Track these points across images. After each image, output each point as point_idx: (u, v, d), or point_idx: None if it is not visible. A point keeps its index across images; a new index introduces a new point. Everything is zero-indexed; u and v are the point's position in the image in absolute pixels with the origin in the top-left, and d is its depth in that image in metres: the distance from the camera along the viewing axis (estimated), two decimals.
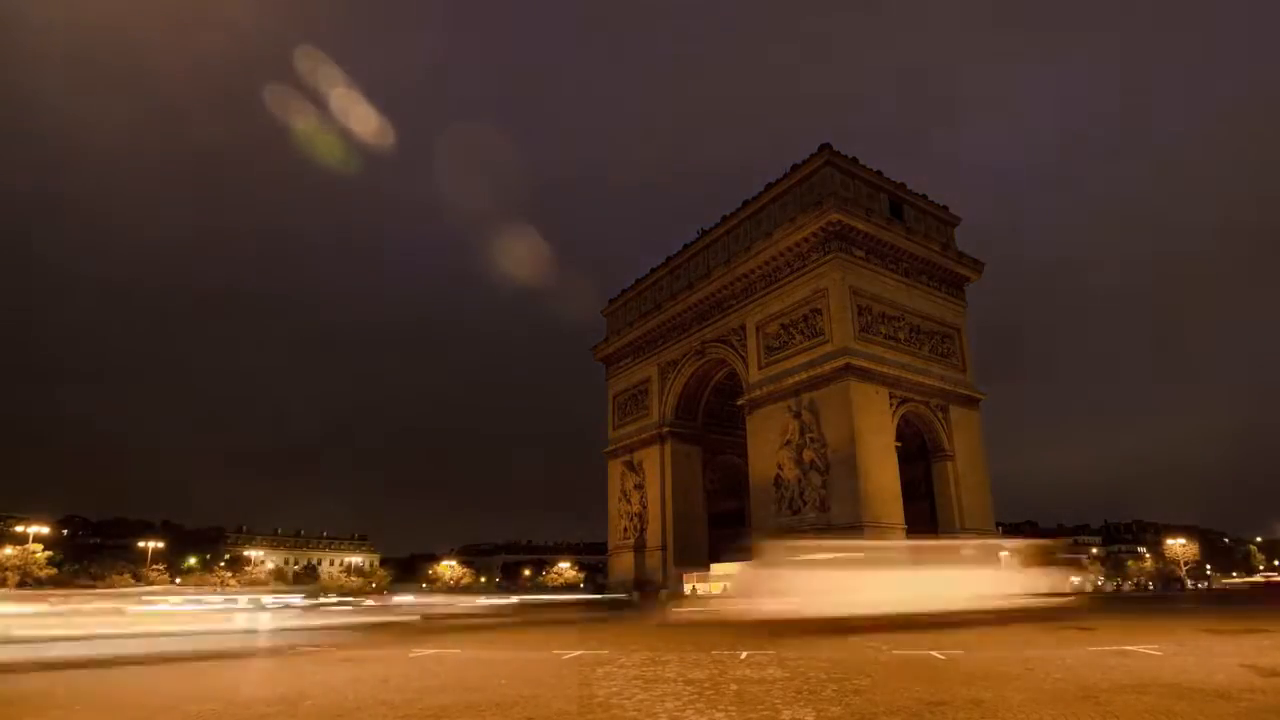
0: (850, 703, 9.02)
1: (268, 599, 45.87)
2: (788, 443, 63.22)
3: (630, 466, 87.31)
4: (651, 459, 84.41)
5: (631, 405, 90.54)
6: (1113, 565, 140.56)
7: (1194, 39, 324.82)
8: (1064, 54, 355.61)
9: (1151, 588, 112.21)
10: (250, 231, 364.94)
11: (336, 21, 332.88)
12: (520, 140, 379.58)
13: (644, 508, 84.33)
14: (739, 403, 71.99)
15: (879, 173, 68.77)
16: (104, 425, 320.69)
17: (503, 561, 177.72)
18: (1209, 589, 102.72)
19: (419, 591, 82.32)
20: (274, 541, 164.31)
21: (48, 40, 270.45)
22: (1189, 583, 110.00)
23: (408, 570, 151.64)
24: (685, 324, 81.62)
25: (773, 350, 67.96)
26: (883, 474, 59.44)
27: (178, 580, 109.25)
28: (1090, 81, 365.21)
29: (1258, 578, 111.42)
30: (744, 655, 14.77)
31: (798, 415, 62.64)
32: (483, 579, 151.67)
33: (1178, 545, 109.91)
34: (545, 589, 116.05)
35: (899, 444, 62.41)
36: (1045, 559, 35.93)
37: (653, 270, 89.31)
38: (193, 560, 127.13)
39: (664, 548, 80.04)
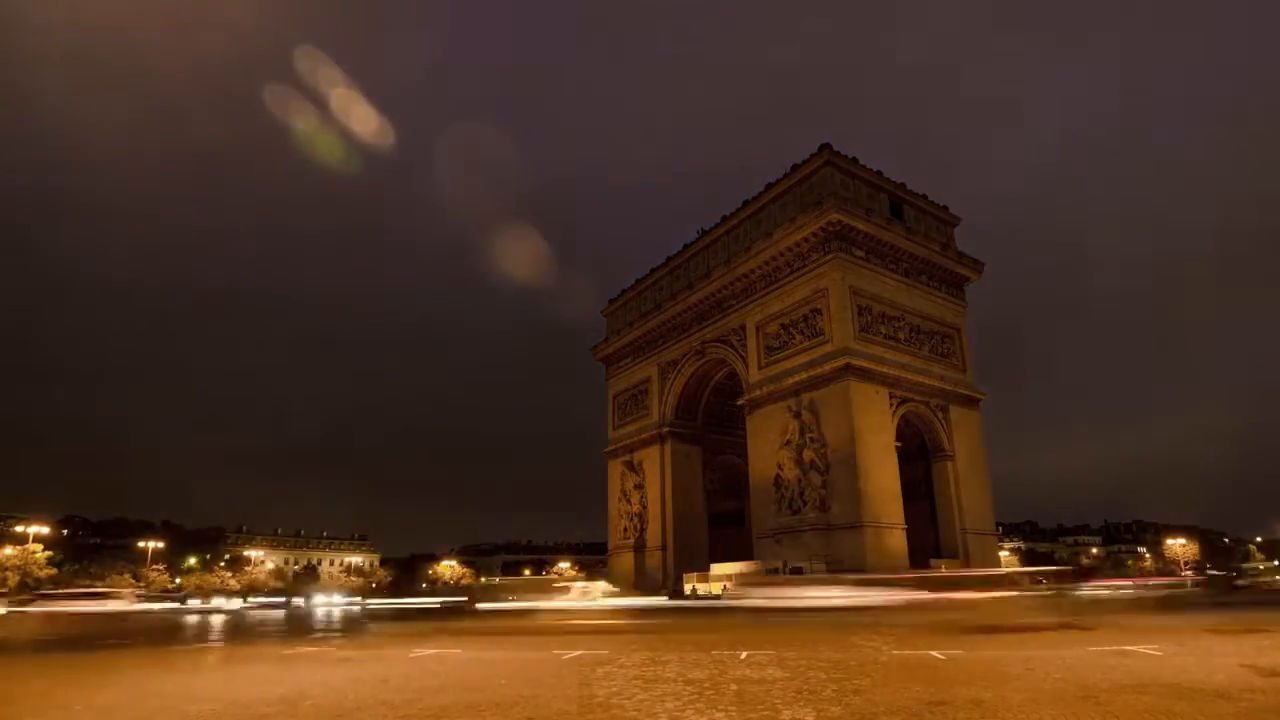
0: (850, 703, 9.02)
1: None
2: (788, 443, 63.23)
3: (630, 466, 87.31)
4: (651, 459, 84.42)
5: (631, 405, 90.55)
6: (1112, 565, 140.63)
7: (1194, 39, 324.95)
8: (1064, 54, 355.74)
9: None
10: (250, 231, 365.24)
11: (336, 21, 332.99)
12: (520, 140, 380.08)
13: (644, 508, 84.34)
14: (739, 403, 72.01)
15: (879, 173, 68.77)
16: (104, 425, 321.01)
17: (503, 561, 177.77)
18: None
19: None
20: (274, 541, 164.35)
21: (48, 40, 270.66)
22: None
23: (408, 570, 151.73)
24: (685, 324, 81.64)
25: (773, 350, 67.97)
26: (883, 474, 59.46)
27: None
28: (1090, 81, 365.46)
29: None
30: (744, 655, 14.77)
31: (798, 415, 62.65)
32: (483, 579, 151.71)
33: (1178, 545, 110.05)
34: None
35: (899, 444, 62.43)
36: None
37: (653, 270, 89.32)
38: (193, 560, 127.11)
39: (664, 548, 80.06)
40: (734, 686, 10.62)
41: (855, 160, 67.06)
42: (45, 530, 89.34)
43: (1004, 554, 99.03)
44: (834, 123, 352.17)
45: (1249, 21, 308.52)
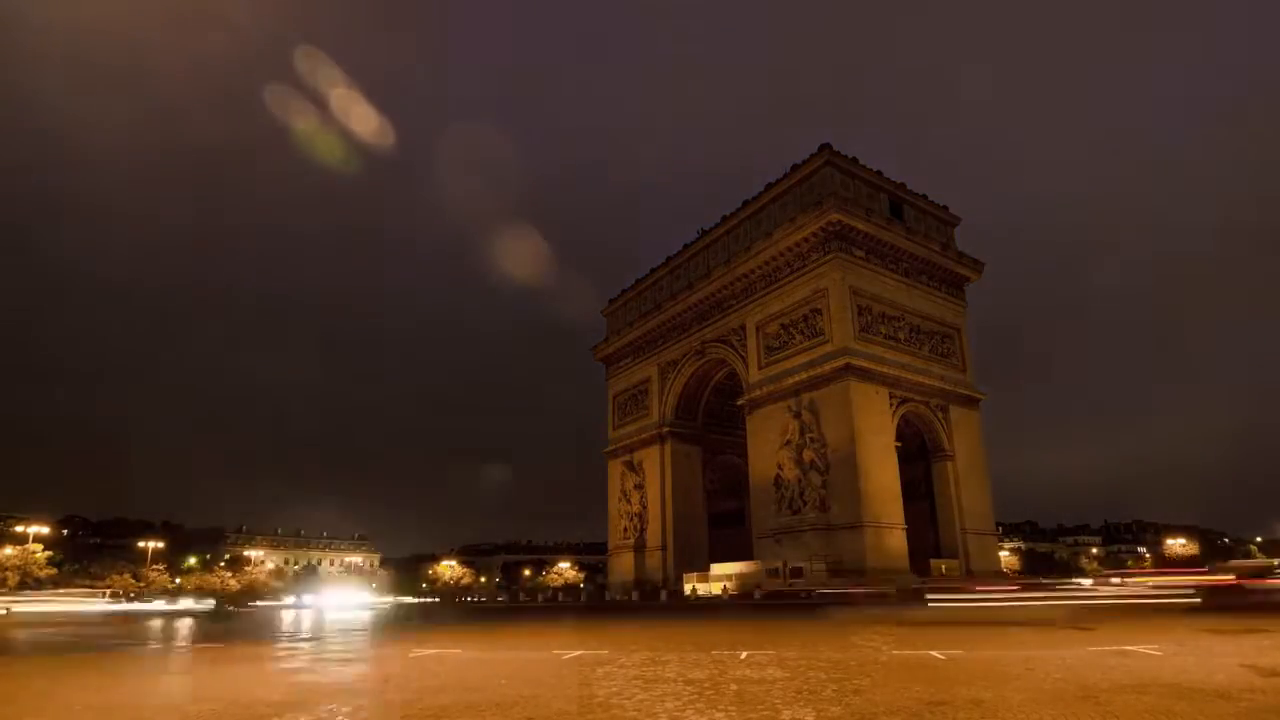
0: (850, 703, 9.02)
1: None
2: (788, 443, 63.23)
3: (630, 466, 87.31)
4: (651, 459, 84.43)
5: (631, 405, 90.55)
6: (1112, 565, 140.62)
7: (1194, 39, 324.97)
8: (1064, 53, 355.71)
9: None
10: (250, 231, 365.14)
11: (336, 21, 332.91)
12: (520, 140, 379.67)
13: (644, 508, 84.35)
14: (739, 403, 72.02)
15: (879, 173, 68.78)
16: (104, 425, 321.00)
17: (503, 561, 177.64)
18: None
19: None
20: (274, 541, 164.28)
21: (48, 40, 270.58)
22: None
23: (408, 570, 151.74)
24: (685, 324, 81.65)
25: (773, 350, 67.97)
26: (883, 474, 59.46)
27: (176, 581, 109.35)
28: (1090, 81, 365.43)
29: None
30: (744, 655, 14.77)
31: (798, 415, 62.65)
32: (483, 579, 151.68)
33: (1178, 545, 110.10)
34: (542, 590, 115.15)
35: (899, 444, 62.45)
36: None
37: (653, 270, 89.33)
38: (193, 560, 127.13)
39: (664, 548, 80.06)
40: (734, 686, 10.62)
41: (855, 160, 67.07)
42: (45, 530, 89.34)
43: (1004, 554, 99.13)
44: (834, 123, 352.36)
45: (1249, 21, 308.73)
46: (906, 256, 67.67)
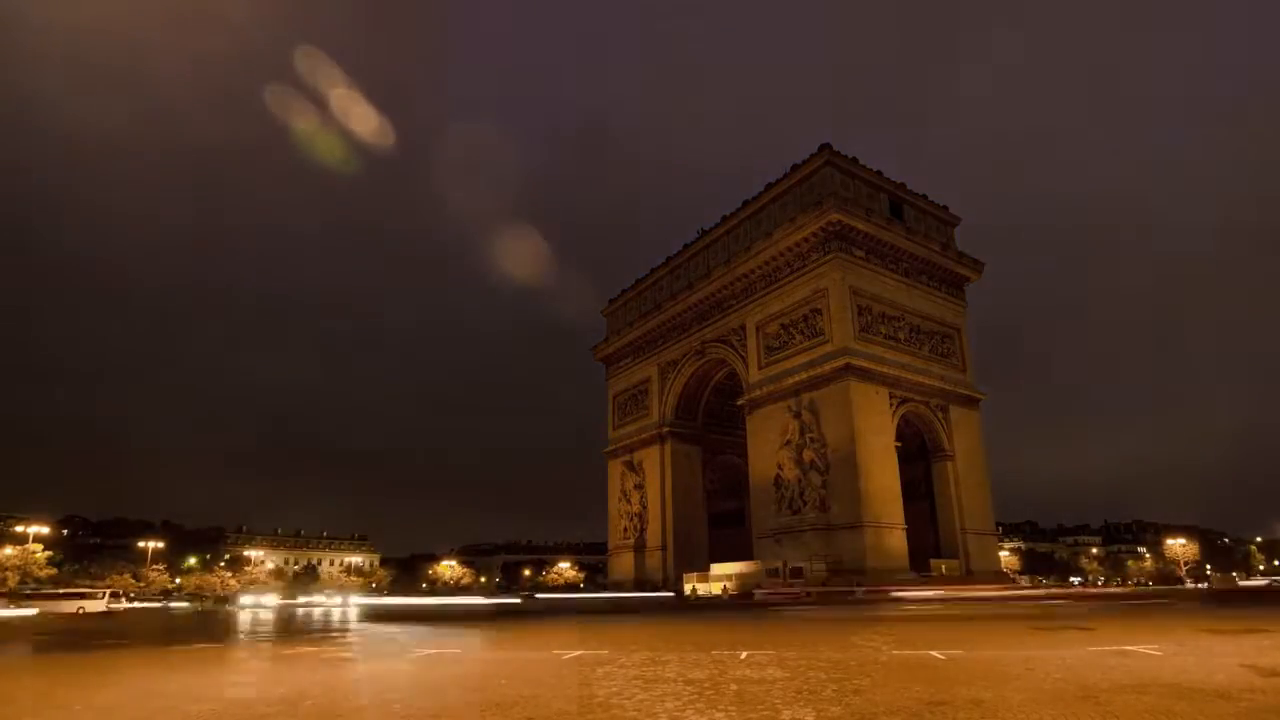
0: (850, 703, 9.02)
1: None
2: (788, 443, 63.22)
3: (630, 466, 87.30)
4: (651, 459, 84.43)
5: (631, 405, 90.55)
6: (1112, 565, 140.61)
7: (1194, 39, 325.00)
8: (1064, 53, 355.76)
9: None
10: (250, 231, 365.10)
11: (336, 21, 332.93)
12: (520, 140, 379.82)
13: (644, 508, 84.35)
14: (739, 403, 72.02)
15: (879, 173, 68.77)
16: (104, 425, 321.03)
17: (503, 561, 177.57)
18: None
19: None
20: (274, 541, 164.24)
21: (48, 40, 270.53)
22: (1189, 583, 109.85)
23: (408, 570, 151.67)
24: (685, 324, 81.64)
25: (773, 350, 67.96)
26: (883, 474, 59.45)
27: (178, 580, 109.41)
28: (1090, 81, 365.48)
29: None
30: (744, 655, 14.77)
31: (798, 415, 62.65)
32: (483, 579, 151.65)
33: (1178, 545, 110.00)
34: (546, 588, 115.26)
35: (899, 444, 62.45)
36: None
37: (653, 270, 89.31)
38: (193, 560, 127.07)
39: (664, 547, 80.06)
40: (734, 686, 10.62)
41: (855, 160, 67.07)
42: (45, 530, 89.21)
43: (1004, 554, 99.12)
44: (834, 123, 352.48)
45: (1249, 21, 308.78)
46: (906, 256, 67.67)
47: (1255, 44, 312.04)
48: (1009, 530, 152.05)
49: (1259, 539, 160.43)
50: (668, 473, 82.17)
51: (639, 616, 36.02)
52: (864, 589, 49.50)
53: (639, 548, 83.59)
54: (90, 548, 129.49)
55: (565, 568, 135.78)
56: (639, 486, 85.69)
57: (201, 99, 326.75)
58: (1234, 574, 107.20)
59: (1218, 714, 7.99)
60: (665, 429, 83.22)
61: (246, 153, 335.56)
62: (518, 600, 77.08)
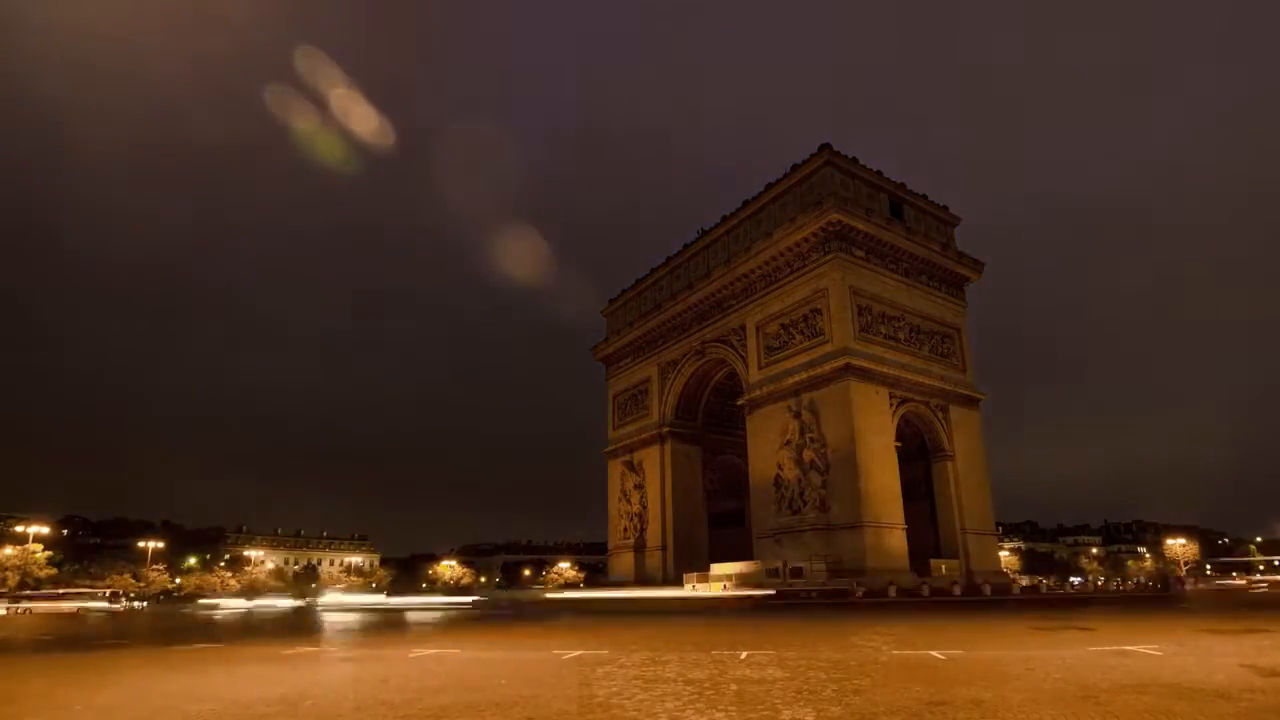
0: (850, 703, 9.02)
1: None
2: (788, 443, 63.20)
3: (630, 466, 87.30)
4: (651, 459, 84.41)
5: (631, 405, 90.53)
6: (1112, 565, 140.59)
7: (1194, 39, 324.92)
8: (1064, 53, 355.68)
9: None
10: (250, 231, 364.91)
11: (336, 21, 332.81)
12: (520, 140, 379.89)
13: (644, 508, 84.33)
14: (739, 403, 71.98)
15: (879, 173, 68.75)
16: (104, 425, 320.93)
17: (503, 561, 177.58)
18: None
19: None
20: (274, 541, 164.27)
21: (47, 40, 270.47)
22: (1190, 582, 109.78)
23: (408, 570, 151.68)
24: (685, 324, 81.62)
25: (773, 350, 67.94)
26: (883, 474, 59.43)
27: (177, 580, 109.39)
28: (1090, 81, 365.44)
29: None
30: (744, 655, 14.77)
31: (798, 415, 62.62)
32: (483, 579, 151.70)
33: (1178, 545, 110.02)
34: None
35: (899, 444, 62.40)
36: None
37: (653, 270, 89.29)
38: (193, 560, 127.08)
39: (664, 548, 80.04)
40: (734, 686, 10.62)
41: (855, 160, 67.04)
42: (45, 530, 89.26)
43: (1004, 554, 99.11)
44: (834, 123, 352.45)
45: (1249, 21, 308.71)
46: (906, 256, 67.63)
47: (1255, 44, 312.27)
48: (1009, 530, 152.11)
49: (1259, 539, 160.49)
50: (668, 473, 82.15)
51: (639, 617, 36.03)
52: (864, 589, 49.52)
53: (639, 548, 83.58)
54: (90, 548, 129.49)
55: (565, 568, 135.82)
56: (639, 486, 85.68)
57: (201, 99, 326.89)
58: (1233, 574, 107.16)
59: (1218, 714, 7.99)
60: (665, 429, 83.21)
61: (247, 152, 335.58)
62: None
